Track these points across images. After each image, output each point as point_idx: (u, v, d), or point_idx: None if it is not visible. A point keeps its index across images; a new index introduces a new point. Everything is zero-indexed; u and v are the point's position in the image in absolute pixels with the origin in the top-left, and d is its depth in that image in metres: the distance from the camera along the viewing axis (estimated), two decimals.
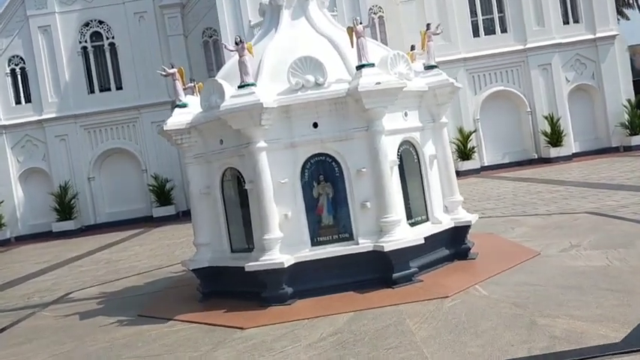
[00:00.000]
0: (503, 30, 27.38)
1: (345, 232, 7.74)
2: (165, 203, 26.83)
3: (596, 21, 26.97)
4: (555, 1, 27.10)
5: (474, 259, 8.44)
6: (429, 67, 8.65)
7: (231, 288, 8.11)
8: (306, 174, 7.71)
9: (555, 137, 26.02)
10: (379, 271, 7.51)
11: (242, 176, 7.94)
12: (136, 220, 26.85)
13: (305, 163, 7.68)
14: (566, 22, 27.30)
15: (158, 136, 26.99)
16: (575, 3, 27.34)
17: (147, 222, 26.12)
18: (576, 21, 27.40)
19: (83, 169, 27.50)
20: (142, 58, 27.54)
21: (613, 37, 26.99)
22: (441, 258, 8.27)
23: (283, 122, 7.60)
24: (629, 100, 26.68)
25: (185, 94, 8.83)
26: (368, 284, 7.46)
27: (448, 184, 8.61)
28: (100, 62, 28.25)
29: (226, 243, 8.35)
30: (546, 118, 26.15)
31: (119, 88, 28.03)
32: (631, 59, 29.27)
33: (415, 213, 8.24)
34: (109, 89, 28.09)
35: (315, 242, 7.69)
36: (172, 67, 8.72)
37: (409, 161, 8.26)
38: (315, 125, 7.63)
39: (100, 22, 27.99)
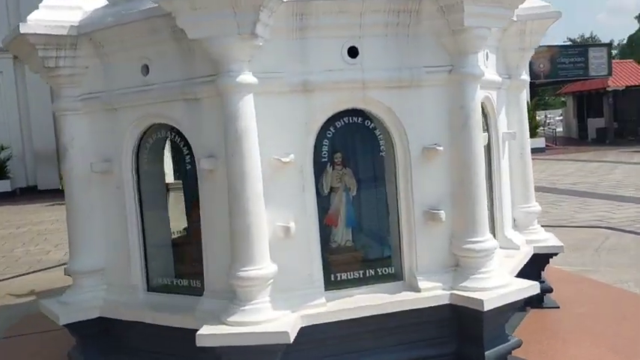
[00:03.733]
0: None
1: (385, 266, 4.07)
2: None
3: None
4: None
5: (557, 307, 5.20)
6: None
7: None
8: (325, 148, 3.92)
9: None
10: (453, 342, 3.96)
11: (189, 144, 3.93)
12: None
13: (325, 125, 3.86)
14: None
15: None
16: None
17: None
18: None
19: None
20: None
21: None
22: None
23: (291, 41, 3.69)
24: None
25: None
26: None
27: (523, 183, 5.22)
28: None
29: (139, 272, 4.22)
30: None
31: None
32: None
33: None
34: None
35: (330, 283, 3.94)
36: None
37: None
38: (353, 53, 3.78)
39: None
